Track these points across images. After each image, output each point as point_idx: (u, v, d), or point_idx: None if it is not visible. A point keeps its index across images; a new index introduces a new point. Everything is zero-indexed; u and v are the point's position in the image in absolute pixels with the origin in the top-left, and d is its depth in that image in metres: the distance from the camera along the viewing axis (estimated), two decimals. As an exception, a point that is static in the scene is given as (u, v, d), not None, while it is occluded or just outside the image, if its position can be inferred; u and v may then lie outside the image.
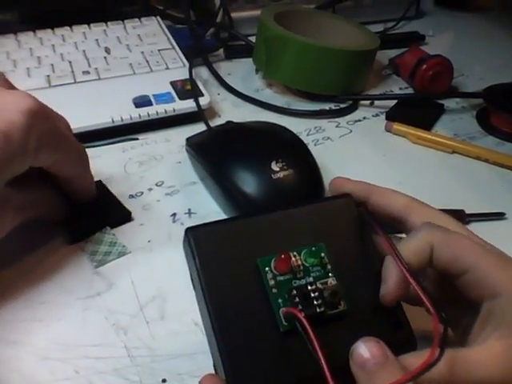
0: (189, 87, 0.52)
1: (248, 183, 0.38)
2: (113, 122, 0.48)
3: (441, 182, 0.46)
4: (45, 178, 0.36)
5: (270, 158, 0.38)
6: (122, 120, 0.48)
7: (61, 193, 0.38)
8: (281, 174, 0.38)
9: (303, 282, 0.25)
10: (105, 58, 0.56)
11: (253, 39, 0.60)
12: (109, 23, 0.62)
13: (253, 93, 0.57)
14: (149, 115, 0.49)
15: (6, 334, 0.32)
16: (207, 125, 0.49)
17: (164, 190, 0.44)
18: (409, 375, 0.21)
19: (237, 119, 0.49)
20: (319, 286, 0.25)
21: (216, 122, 0.51)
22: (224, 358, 0.23)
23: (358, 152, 0.49)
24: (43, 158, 0.33)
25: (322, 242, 0.26)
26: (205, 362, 0.29)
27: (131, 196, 0.43)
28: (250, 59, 0.60)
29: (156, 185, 0.44)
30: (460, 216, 0.41)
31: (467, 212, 0.42)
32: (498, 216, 0.42)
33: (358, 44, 0.56)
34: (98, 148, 0.48)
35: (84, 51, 0.57)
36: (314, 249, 0.25)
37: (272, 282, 0.25)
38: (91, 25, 0.61)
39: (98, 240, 0.38)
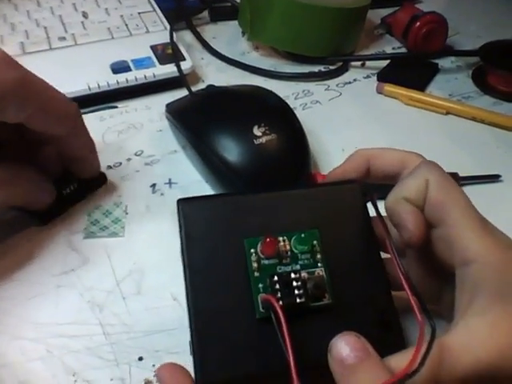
0: (170, 51, 0.49)
1: (229, 150, 0.36)
2: (89, 89, 0.46)
3: (434, 144, 0.44)
4: (31, 155, 0.34)
5: (252, 123, 0.36)
6: (99, 87, 0.46)
7: (46, 176, 0.35)
8: (263, 139, 0.36)
9: (288, 268, 0.23)
10: (82, 22, 0.53)
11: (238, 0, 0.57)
12: (86, -14, 0.58)
13: (238, 56, 0.54)
14: (127, 81, 0.47)
15: (-25, 313, 0.30)
16: (189, 90, 0.47)
17: (143, 160, 0.42)
18: (390, 380, 0.19)
19: (222, 84, 0.46)
20: (304, 274, 0.23)
21: (199, 88, 0.49)
22: (194, 336, 0.22)
23: (348, 116, 0.47)
24: (11, 110, 0.29)
25: (316, 229, 0.24)
26: (183, 338, 0.27)
27: (109, 167, 0.41)
28: (236, 22, 0.57)
29: (135, 154, 0.42)
30: (454, 179, 0.39)
31: (462, 175, 0.40)
32: (493, 178, 0.40)
33: (347, 1, 0.53)
34: (75, 117, 0.46)
35: (60, 16, 0.54)
36: (303, 235, 0.24)
37: (255, 265, 0.23)
38: (68, -12, 0.58)
39: (107, 212, 0.36)
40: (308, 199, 0.25)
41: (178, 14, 0.57)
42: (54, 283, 0.32)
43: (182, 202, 0.25)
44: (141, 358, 0.29)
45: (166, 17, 0.55)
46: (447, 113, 0.47)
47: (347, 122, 0.46)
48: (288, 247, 0.24)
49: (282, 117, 0.39)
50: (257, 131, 0.36)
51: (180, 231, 0.24)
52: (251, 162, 0.35)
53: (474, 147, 0.44)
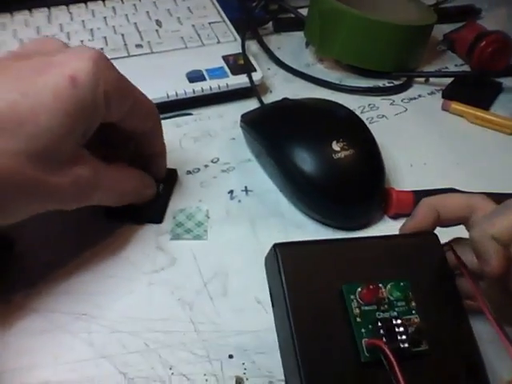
0: (241, 62, 0.51)
1: (307, 162, 0.38)
2: (168, 96, 0.48)
3: (499, 164, 0.45)
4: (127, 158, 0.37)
5: (331, 137, 0.38)
6: (177, 95, 0.48)
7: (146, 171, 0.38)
8: (342, 154, 0.38)
9: (387, 315, 0.25)
10: (156, 31, 0.56)
11: (302, 11, 0.59)
12: (158, -5, 0.61)
13: (303, 68, 0.56)
14: (203, 90, 0.49)
15: (77, 307, 0.33)
16: (260, 101, 0.49)
17: (220, 167, 0.44)
18: None
19: (289, 95, 0.48)
20: (404, 321, 0.24)
21: (268, 98, 0.51)
22: (303, 382, 0.23)
23: (413, 131, 0.48)
24: (114, 107, 0.32)
25: (407, 279, 0.26)
26: (269, 339, 0.30)
27: (189, 172, 0.43)
28: (300, 33, 0.59)
29: (212, 161, 0.44)
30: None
31: (528, 195, 0.41)
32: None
33: (413, 18, 0.54)
34: (153, 123, 0.48)
35: (135, 24, 0.56)
36: (402, 284, 0.25)
37: (357, 311, 0.24)
38: (141, -4, 0.61)
39: (191, 215, 0.39)
40: (395, 248, 0.27)
41: (246, 24, 0.59)
42: (146, 281, 0.34)
43: (279, 247, 0.25)
44: (231, 356, 0.31)
45: (234, 27, 0.57)
46: (511, 133, 0.48)
47: (413, 137, 0.48)
48: (385, 294, 0.25)
49: (358, 132, 0.40)
50: (336, 146, 0.38)
51: (279, 276, 0.25)
52: (329, 176, 0.37)
53: (539, 168, 0.45)
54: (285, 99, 0.45)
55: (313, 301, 0.25)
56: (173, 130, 0.48)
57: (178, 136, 0.47)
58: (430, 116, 0.50)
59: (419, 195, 0.39)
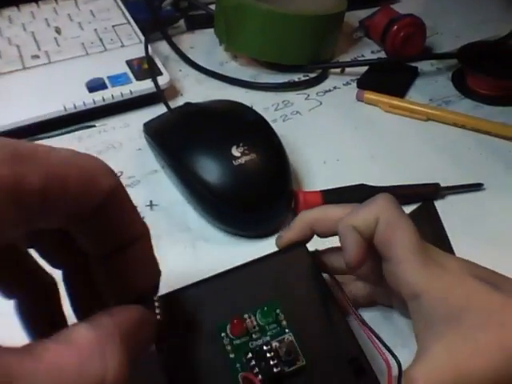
0: (146, 66, 0.49)
1: (207, 171, 0.35)
2: (65, 109, 0.45)
3: (415, 153, 0.44)
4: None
5: (231, 143, 0.36)
6: (76, 107, 0.45)
7: None
8: (242, 160, 0.35)
9: (260, 342, 0.24)
10: (55, 38, 0.52)
11: (213, 7, 0.56)
12: (59, 0, 0.57)
13: (217, 67, 0.54)
14: (104, 100, 0.46)
15: None
16: (167, 107, 0.46)
17: (124, 182, 0.40)
18: None
19: (200, 97, 0.46)
20: (275, 344, 0.24)
21: (178, 102, 0.48)
22: None
23: (328, 126, 0.47)
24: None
25: (276, 299, 0.26)
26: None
27: (88, 190, 0.40)
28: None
29: (115, 176, 0.42)
30: (436, 190, 0.39)
31: (444, 185, 0.40)
32: (476, 187, 0.40)
33: (322, 8, 0.52)
34: (52, 139, 0.45)
35: (33, 33, 0.53)
36: (266, 308, 0.25)
37: (229, 348, 0.24)
38: (40, 3, 0.57)
39: None
40: (263, 271, 0.27)
41: (153, 24, 0.56)
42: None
43: (161, 299, 0.24)
44: None
45: (140, 29, 0.54)
46: (427, 119, 0.46)
47: (328, 132, 0.46)
48: (255, 322, 0.25)
49: (260, 135, 0.38)
50: (235, 152, 0.36)
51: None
52: (231, 184, 0.35)
53: (456, 154, 0.44)
54: (187, 104, 0.42)
55: (192, 347, 0.24)
56: (74, 145, 0.45)
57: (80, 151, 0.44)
58: (344, 108, 0.49)
59: (328, 194, 0.38)
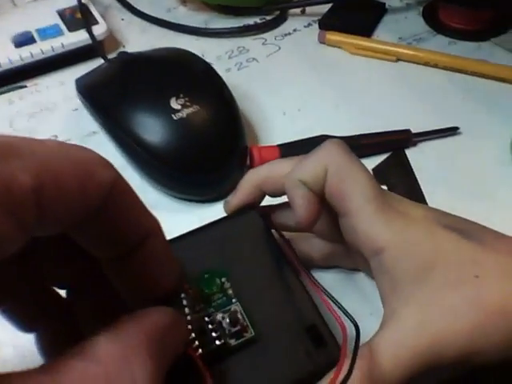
0: (79, 15, 0.43)
1: (146, 129, 0.31)
2: (-11, 69, 0.39)
3: (384, 98, 0.40)
4: None
5: (169, 94, 0.31)
6: (1, 65, 0.40)
7: None
8: (183, 113, 0.31)
9: (202, 314, 0.21)
10: (-23, -11, 0.46)
11: None
12: None
13: (164, 13, 0.48)
14: (32, 56, 0.40)
15: None
16: (105, 59, 0.41)
17: (58, 147, 0.36)
18: None
19: (144, 48, 0.41)
20: (220, 315, 0.21)
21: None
22: None
23: (288, 73, 0.42)
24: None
25: (222, 267, 0.23)
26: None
27: (16, 159, 0.35)
28: (160, -28, 0.50)
29: (47, 141, 0.37)
30: (406, 137, 0.35)
31: (416, 131, 0.36)
32: (451, 131, 0.36)
33: None
34: (-23, 104, 0.40)
35: (-49, -17, 0.46)
36: (208, 277, 0.22)
37: None
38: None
39: None
40: (209, 239, 0.24)
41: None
42: None
43: None
44: None
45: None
46: (397, 60, 0.42)
47: (288, 80, 0.41)
48: (197, 294, 0.22)
49: (205, 84, 0.33)
50: (175, 104, 0.31)
51: None
52: (172, 142, 0.31)
53: (429, 96, 0.39)
54: (122, 54, 0.37)
55: None
56: (4, 109, 0.40)
57: (9, 115, 0.39)
58: (306, 52, 0.44)
59: (286, 149, 0.33)
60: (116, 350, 0.15)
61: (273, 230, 0.25)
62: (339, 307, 0.21)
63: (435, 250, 0.21)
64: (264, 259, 0.24)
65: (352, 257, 0.27)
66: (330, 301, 0.21)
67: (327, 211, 0.24)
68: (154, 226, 0.18)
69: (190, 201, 0.33)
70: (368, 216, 0.22)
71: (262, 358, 0.21)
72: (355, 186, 0.22)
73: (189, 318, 0.21)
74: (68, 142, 0.37)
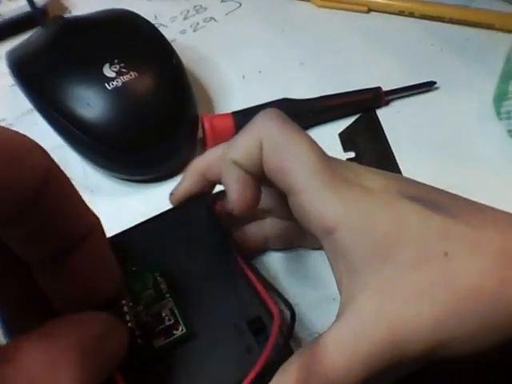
0: (15, -20, 0.39)
1: (78, 103, 0.27)
2: None
3: (355, 53, 0.36)
4: None
5: (102, 61, 0.28)
6: None
7: None
8: (118, 82, 0.27)
9: (130, 312, 0.19)
10: None
11: None
12: None
13: (114, -26, 0.44)
14: (-37, 28, 0.36)
15: None
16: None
17: (-8, 127, 0.33)
18: None
19: (94, 9, 0.37)
20: (148, 312, 0.19)
21: (64, 22, 0.39)
22: None
23: (249, 32, 0.38)
24: None
25: (156, 262, 0.21)
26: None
27: None
28: None
29: (-19, 121, 0.33)
30: (376, 95, 0.31)
31: (389, 88, 0.32)
32: (428, 87, 0.32)
33: None
34: None
35: None
36: (140, 274, 0.20)
37: None
38: None
39: None
40: (151, 234, 0.22)
41: None
42: None
43: None
44: None
45: None
46: (369, 10, 0.38)
47: (249, 40, 0.37)
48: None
49: (145, 48, 0.30)
50: (108, 71, 0.27)
51: None
52: (108, 116, 0.27)
53: (404, 49, 0.36)
54: (56, 19, 0.33)
55: None
56: None
57: None
58: (268, 9, 0.39)
59: (241, 116, 0.30)
60: (41, 354, 0.13)
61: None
62: (273, 290, 0.19)
63: (396, 225, 0.18)
64: (206, 252, 0.22)
65: (311, 236, 0.24)
66: (259, 284, 0.19)
67: (276, 190, 0.21)
68: (94, 223, 0.16)
69: (137, 181, 0.30)
70: (315, 192, 0.18)
71: (197, 357, 0.19)
72: (296, 160, 0.19)
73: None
74: (3, 121, 0.33)
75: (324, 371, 0.17)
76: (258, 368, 0.17)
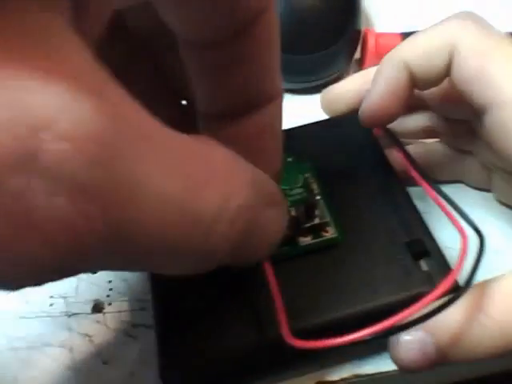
0: None
1: None
2: None
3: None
4: None
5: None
6: None
7: None
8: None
9: None
10: None
11: None
12: None
13: None
14: None
15: None
16: None
17: None
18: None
19: None
20: (294, 209, 0.18)
21: None
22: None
23: None
24: None
25: (309, 162, 0.20)
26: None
27: None
28: None
29: None
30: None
31: None
32: None
33: None
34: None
35: None
36: (290, 160, 0.20)
37: None
38: None
39: None
40: (309, 136, 0.21)
41: None
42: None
43: None
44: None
45: None
46: None
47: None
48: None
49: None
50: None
51: None
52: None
53: None
54: None
55: None
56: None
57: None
58: None
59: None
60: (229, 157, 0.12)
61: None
62: (463, 216, 0.16)
63: None
64: (364, 166, 0.20)
65: (482, 172, 0.21)
66: (450, 208, 0.17)
67: (455, 104, 0.18)
68: (279, 94, 0.14)
69: (291, 91, 0.28)
70: None
71: (344, 267, 0.17)
72: (504, 69, 0.16)
73: None
74: None
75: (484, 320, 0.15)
76: (438, 293, 0.14)
